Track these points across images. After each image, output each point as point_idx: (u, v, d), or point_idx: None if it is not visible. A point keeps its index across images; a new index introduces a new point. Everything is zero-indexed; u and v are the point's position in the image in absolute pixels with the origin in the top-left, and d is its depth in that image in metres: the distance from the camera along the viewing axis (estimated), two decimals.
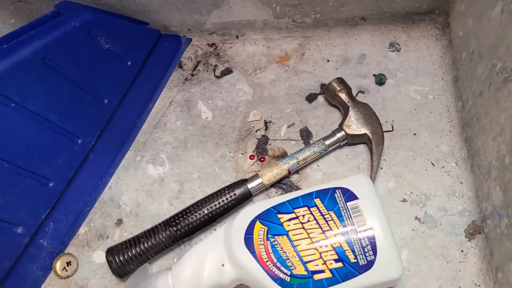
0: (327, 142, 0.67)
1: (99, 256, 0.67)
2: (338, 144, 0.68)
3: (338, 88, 0.70)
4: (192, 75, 0.80)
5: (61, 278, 0.66)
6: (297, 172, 0.69)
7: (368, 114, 0.68)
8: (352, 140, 0.69)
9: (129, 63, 0.72)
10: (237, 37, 0.82)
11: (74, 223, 0.69)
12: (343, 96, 0.70)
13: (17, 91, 0.57)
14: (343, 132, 0.68)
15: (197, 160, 0.72)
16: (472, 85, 0.64)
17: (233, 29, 0.81)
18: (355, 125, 0.68)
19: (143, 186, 0.71)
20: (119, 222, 0.69)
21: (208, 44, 0.82)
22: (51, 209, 0.66)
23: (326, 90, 0.72)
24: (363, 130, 0.67)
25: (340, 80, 0.71)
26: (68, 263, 0.67)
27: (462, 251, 0.61)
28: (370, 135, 0.67)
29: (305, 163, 0.67)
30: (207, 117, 0.76)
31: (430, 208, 0.64)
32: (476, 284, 0.58)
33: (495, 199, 0.57)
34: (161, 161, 0.73)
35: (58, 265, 0.66)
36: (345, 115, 0.69)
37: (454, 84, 0.72)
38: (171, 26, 0.81)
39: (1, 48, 0.58)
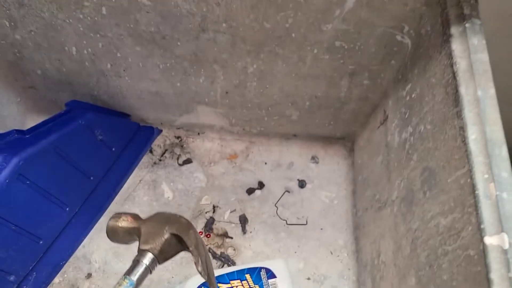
0: (133, 275, 0.54)
1: None
2: (147, 267, 0.56)
3: (121, 225, 0.59)
4: (160, 160, 1.01)
5: None
6: (234, 249, 0.92)
7: (162, 218, 0.60)
8: (163, 254, 0.57)
9: (113, 149, 0.92)
10: (198, 134, 1.05)
11: (51, 274, 0.85)
12: (127, 224, 0.59)
13: (32, 172, 0.75)
14: (148, 254, 0.56)
15: None
16: (362, 201, 0.92)
17: (196, 127, 1.04)
18: (154, 234, 0.56)
19: (111, 247, 0.90)
20: (89, 275, 0.87)
21: (175, 136, 1.05)
22: (37, 262, 0.82)
23: (112, 236, 0.61)
24: (165, 233, 0.56)
25: (117, 217, 0.61)
26: None
27: None
28: (175, 232, 0.57)
29: None
30: (168, 197, 0.97)
31: (326, 286, 0.89)
32: None
33: (368, 286, 0.83)
34: None
35: None
36: (140, 237, 0.58)
37: (353, 196, 0.99)
38: (148, 119, 1.02)
39: (25, 137, 0.76)
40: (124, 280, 0.53)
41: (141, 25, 0.73)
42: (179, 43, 0.77)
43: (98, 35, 0.76)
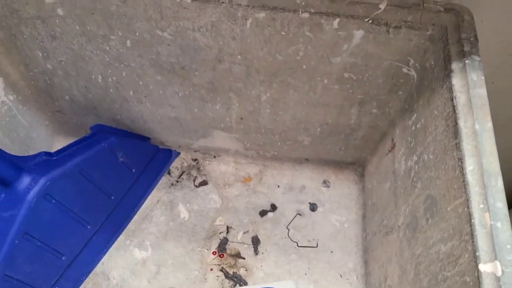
0: None
1: None
2: None
3: None
4: (177, 181, 1.06)
5: None
6: (246, 269, 0.95)
7: None
8: None
9: (133, 170, 0.97)
10: (214, 157, 1.10)
11: None
12: None
13: (58, 192, 0.80)
14: None
15: (173, 250, 0.96)
16: (371, 226, 0.94)
17: (212, 151, 1.09)
18: None
19: (129, 265, 0.94)
20: None
21: (192, 159, 1.09)
22: (59, 276, 0.87)
23: None
24: None
25: None
26: None
27: None
28: None
29: None
30: (184, 217, 1.01)
31: None
32: None
33: None
34: (145, 247, 0.96)
35: None
36: None
37: (362, 220, 1.02)
38: (167, 142, 1.07)
39: (53, 159, 0.82)
40: None
41: (162, 56, 0.79)
42: (197, 73, 0.82)
43: (122, 65, 0.82)
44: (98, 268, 0.94)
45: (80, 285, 0.91)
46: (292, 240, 0.99)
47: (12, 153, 0.79)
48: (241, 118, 0.94)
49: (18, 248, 0.76)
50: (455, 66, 0.62)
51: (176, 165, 1.08)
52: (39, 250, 0.81)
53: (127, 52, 0.79)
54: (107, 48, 0.79)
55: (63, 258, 0.86)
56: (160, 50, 0.78)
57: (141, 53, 0.79)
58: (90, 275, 0.93)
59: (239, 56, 0.78)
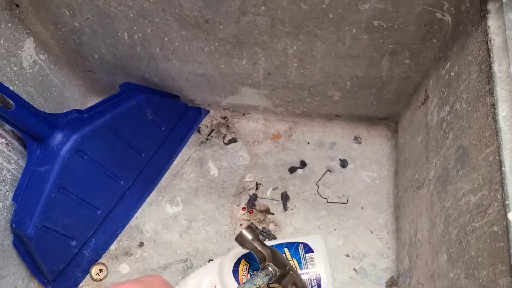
0: (267, 275, 0.70)
1: (124, 268, 0.92)
2: (272, 275, 0.71)
3: (250, 238, 0.72)
4: (207, 139, 1.06)
5: (94, 281, 0.91)
6: (275, 224, 0.96)
7: (281, 257, 0.74)
8: (278, 278, 0.71)
9: (163, 128, 0.99)
10: (243, 114, 1.09)
11: (108, 241, 0.94)
12: (256, 243, 0.72)
13: (90, 148, 0.83)
14: (273, 269, 0.71)
15: (203, 205, 0.98)
16: (403, 181, 0.92)
17: (241, 108, 1.08)
18: (281, 264, 0.72)
19: (161, 219, 0.97)
20: (141, 244, 0.95)
21: (221, 116, 1.09)
22: (95, 229, 0.91)
23: (240, 240, 0.73)
24: (287, 269, 0.72)
25: (251, 230, 0.74)
26: (101, 270, 0.92)
27: None
28: (293, 273, 0.73)
29: None
30: (214, 174, 1.02)
31: (365, 263, 0.91)
32: None
33: (405, 264, 0.84)
34: (176, 202, 0.99)
35: (94, 270, 0.91)
36: (265, 259, 0.72)
37: (394, 176, 0.99)
38: (196, 100, 1.07)
39: (83, 116, 0.84)
40: (265, 276, 0.69)
41: (185, 10, 0.78)
42: (221, 27, 0.81)
43: (146, 21, 0.82)
44: (133, 222, 0.97)
45: (116, 238, 0.95)
46: (321, 196, 0.99)
47: (46, 111, 0.82)
48: (269, 73, 0.93)
49: (54, 201, 0.80)
50: (491, 6, 0.58)
51: (205, 123, 1.09)
52: (75, 204, 0.84)
53: (150, 6, 0.78)
54: (131, 3, 0.78)
55: (98, 212, 0.90)
56: (183, 3, 0.76)
57: (164, 7, 0.78)
58: (125, 229, 0.96)
59: (262, 7, 0.75)
